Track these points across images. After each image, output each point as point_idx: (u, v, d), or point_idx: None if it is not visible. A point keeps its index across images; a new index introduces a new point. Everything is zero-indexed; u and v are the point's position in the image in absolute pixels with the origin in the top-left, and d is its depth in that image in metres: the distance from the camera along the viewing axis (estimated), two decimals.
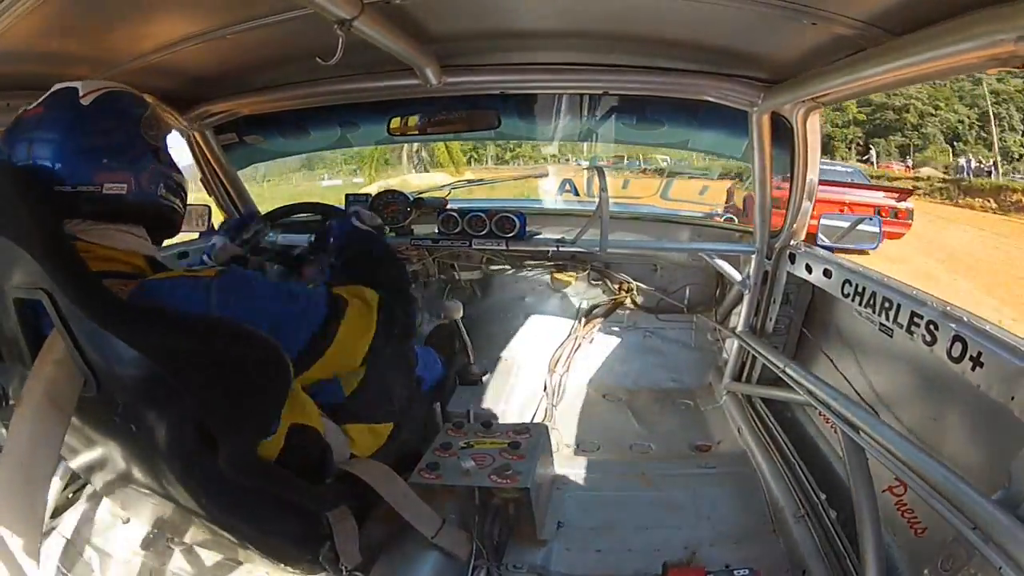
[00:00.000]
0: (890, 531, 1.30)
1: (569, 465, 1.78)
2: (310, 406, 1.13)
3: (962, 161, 22.10)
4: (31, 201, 0.83)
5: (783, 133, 1.73)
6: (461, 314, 2.12)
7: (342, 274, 1.30)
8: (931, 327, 1.17)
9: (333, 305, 1.07)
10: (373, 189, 3.09)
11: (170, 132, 1.12)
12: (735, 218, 2.95)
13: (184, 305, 0.88)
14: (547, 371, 2.37)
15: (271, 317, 0.95)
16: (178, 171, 1.10)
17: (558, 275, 2.60)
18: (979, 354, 1.03)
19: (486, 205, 2.45)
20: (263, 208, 2.43)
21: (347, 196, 2.38)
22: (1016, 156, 23.70)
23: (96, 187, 0.97)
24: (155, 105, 1.07)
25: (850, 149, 26.58)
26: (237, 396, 0.88)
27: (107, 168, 0.98)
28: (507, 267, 2.57)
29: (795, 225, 1.87)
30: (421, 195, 2.36)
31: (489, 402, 1.82)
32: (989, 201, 16.63)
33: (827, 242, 1.81)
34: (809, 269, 1.78)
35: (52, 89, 0.99)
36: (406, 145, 5.22)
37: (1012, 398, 0.96)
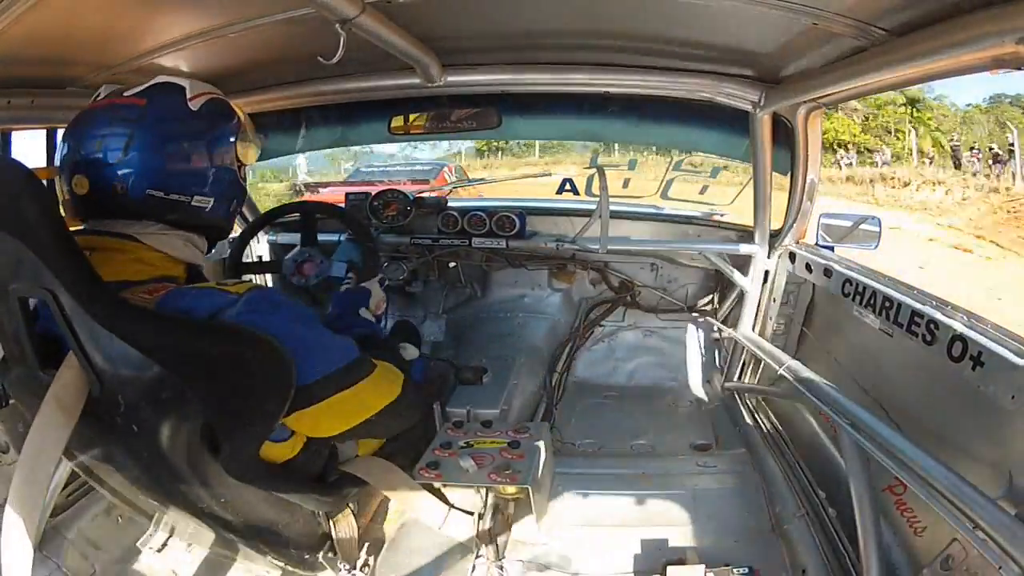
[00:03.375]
0: (890, 530, 1.30)
1: (569, 464, 1.78)
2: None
3: None
4: (38, 200, 0.82)
5: (784, 133, 1.74)
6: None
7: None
8: (931, 327, 1.17)
9: (363, 358, 1.01)
10: None
11: (257, 146, 1.10)
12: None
13: (200, 311, 0.86)
14: (547, 370, 2.37)
15: (288, 339, 0.88)
16: (246, 186, 1.09)
17: (558, 274, 2.60)
18: (979, 354, 1.03)
19: (486, 204, 2.44)
20: (261, 206, 2.44)
21: (347, 195, 2.38)
22: None
23: (188, 198, 0.96)
24: (245, 118, 1.07)
25: None
26: (240, 397, 0.88)
27: (201, 181, 0.97)
28: (507, 266, 2.57)
29: (795, 225, 1.88)
30: (421, 195, 2.36)
31: (489, 401, 1.81)
32: None
33: (829, 241, 1.81)
34: (809, 268, 1.78)
35: (155, 81, 0.96)
36: None
37: (1012, 397, 0.96)
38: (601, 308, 2.61)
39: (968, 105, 21.55)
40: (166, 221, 0.96)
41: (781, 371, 1.69)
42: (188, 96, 0.96)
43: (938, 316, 1.16)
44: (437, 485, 1.34)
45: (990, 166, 16.49)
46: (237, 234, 1.89)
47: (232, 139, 1.01)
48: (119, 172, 0.90)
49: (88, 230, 0.95)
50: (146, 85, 0.95)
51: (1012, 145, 15.99)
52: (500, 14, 1.44)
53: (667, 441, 2.01)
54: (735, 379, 2.20)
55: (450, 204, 2.34)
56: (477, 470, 1.34)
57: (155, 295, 0.87)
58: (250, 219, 2.30)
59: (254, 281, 1.81)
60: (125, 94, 0.95)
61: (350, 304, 1.39)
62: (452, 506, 1.32)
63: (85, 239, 0.91)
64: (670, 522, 1.54)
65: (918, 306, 1.23)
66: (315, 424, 0.99)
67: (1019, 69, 0.88)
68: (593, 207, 2.05)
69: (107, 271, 0.87)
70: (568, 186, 2.66)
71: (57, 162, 0.97)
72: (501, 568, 1.33)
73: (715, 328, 2.49)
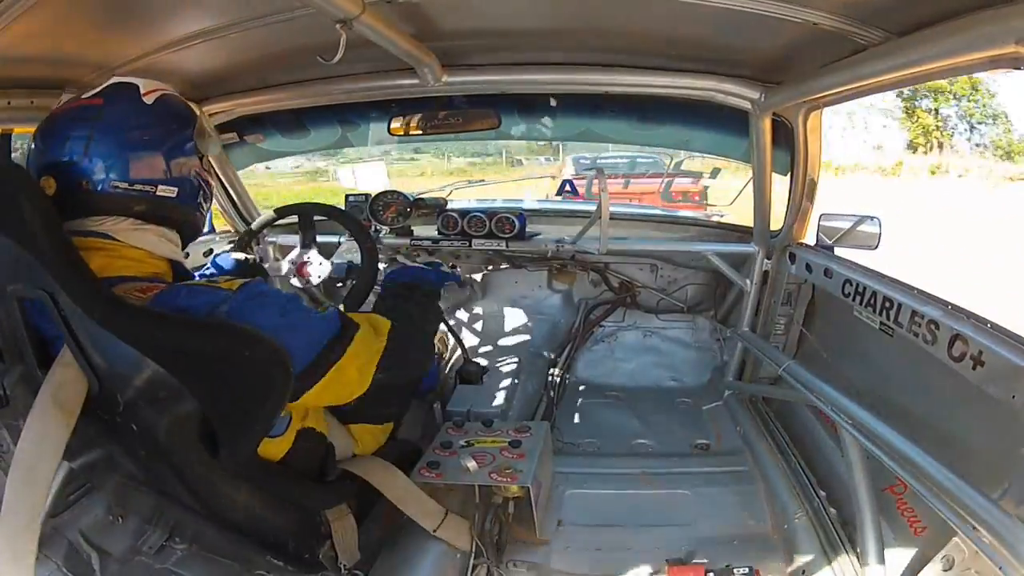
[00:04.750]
0: (890, 531, 1.30)
1: (569, 464, 1.78)
2: (316, 409, 1.13)
3: None
4: (34, 202, 0.83)
5: (783, 133, 1.74)
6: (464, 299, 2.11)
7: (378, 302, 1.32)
8: (932, 326, 1.17)
9: (344, 326, 1.04)
10: None
11: (216, 140, 1.13)
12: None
13: (195, 309, 0.88)
14: (547, 370, 2.37)
15: (279, 330, 0.90)
16: (212, 181, 1.12)
17: (558, 275, 2.60)
18: (980, 353, 1.03)
19: (486, 205, 2.45)
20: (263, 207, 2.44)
21: (347, 196, 2.38)
22: None
23: (152, 187, 0.97)
24: (201, 114, 1.09)
25: None
26: (239, 396, 0.88)
27: (164, 171, 0.99)
28: (507, 267, 2.57)
29: (795, 225, 1.88)
30: (422, 195, 2.36)
31: (489, 401, 1.81)
32: None
33: (829, 242, 1.81)
34: (809, 268, 1.78)
35: (109, 82, 0.99)
36: None
37: (1013, 397, 0.96)
38: (601, 308, 2.61)
39: None
40: (135, 215, 0.97)
41: (781, 371, 1.69)
42: (142, 92, 0.99)
43: (938, 316, 1.16)
44: (437, 484, 1.34)
45: None
46: (237, 235, 1.90)
47: (188, 130, 1.03)
48: (83, 170, 0.93)
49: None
50: (102, 86, 0.99)
51: None
52: (500, 15, 1.44)
53: (667, 441, 2.01)
54: (735, 379, 2.20)
55: (450, 205, 2.34)
56: (478, 469, 1.34)
57: (149, 294, 0.88)
58: (250, 222, 2.30)
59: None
60: (84, 96, 0.98)
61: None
62: (451, 507, 1.32)
63: None
64: (670, 522, 1.53)
65: (918, 306, 1.23)
66: (326, 399, 1.03)
67: (1018, 69, 0.88)
68: (592, 208, 2.06)
69: (95, 269, 0.87)
70: (568, 187, 2.66)
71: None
72: (500, 569, 1.33)
73: (715, 328, 2.49)
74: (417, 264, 1.43)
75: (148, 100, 0.98)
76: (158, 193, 0.98)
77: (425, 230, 2.33)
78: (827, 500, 1.50)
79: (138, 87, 0.99)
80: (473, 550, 1.29)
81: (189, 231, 1.09)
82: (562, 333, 2.57)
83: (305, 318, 1.00)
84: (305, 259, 1.78)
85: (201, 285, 0.94)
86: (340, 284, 1.85)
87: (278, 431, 1.02)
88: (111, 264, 0.93)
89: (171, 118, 1.01)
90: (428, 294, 1.39)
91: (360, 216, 2.21)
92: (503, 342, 2.42)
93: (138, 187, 0.96)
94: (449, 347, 2.34)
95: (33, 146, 0.97)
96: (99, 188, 0.94)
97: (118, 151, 0.94)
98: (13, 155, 1.60)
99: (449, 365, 2.14)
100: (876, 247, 1.78)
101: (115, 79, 1.00)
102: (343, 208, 2.25)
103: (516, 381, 2.05)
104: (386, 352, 1.09)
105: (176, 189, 1.00)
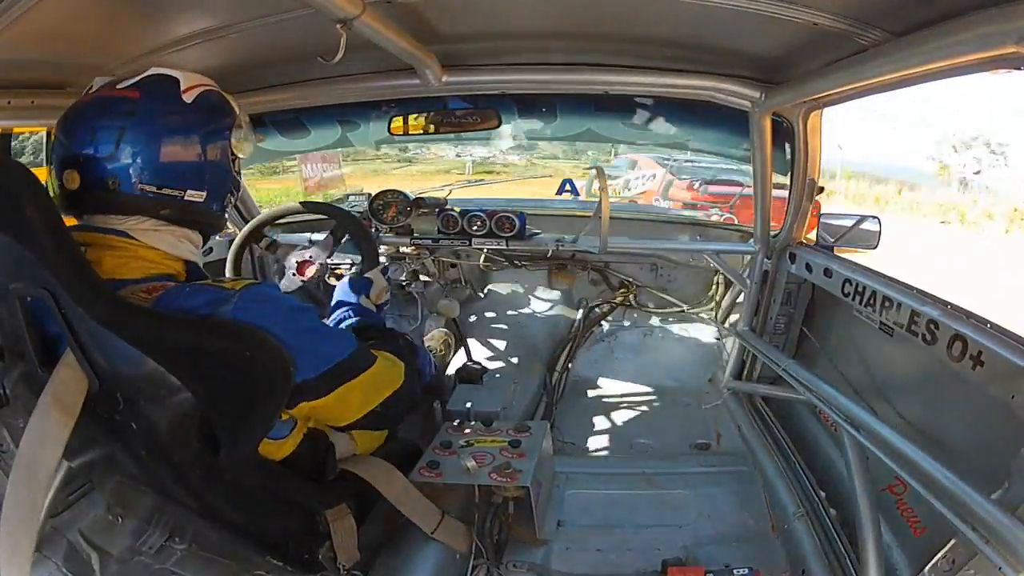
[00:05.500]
0: (890, 531, 1.30)
1: (569, 464, 1.78)
2: None
3: None
4: (35, 200, 0.82)
5: (784, 133, 1.74)
6: (457, 313, 2.13)
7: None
8: (931, 326, 1.17)
9: (361, 350, 1.02)
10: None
11: (252, 140, 1.09)
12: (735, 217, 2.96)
13: (197, 308, 0.87)
14: (547, 370, 2.37)
15: (286, 335, 0.89)
16: (240, 179, 1.07)
17: (558, 275, 2.61)
18: (979, 353, 1.03)
19: (486, 205, 2.45)
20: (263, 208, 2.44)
21: (347, 196, 2.38)
22: None
23: (180, 192, 0.94)
24: (241, 111, 1.05)
25: None
26: (238, 395, 0.88)
27: (194, 175, 0.95)
28: (507, 267, 2.57)
29: (795, 224, 1.88)
30: (421, 195, 2.36)
31: (489, 401, 1.82)
32: None
33: (829, 241, 1.81)
34: (809, 268, 1.78)
35: (148, 73, 0.94)
36: None
37: (1012, 397, 0.96)
38: (601, 308, 2.61)
39: None
40: (159, 217, 0.94)
41: (781, 371, 1.69)
42: (182, 88, 0.94)
43: (938, 316, 1.16)
44: (437, 484, 1.34)
45: None
46: (238, 234, 1.90)
47: (227, 132, 0.99)
48: (110, 167, 0.89)
49: (81, 226, 0.94)
50: (140, 77, 0.94)
51: None
52: (500, 15, 1.44)
53: (667, 441, 2.01)
54: (735, 379, 2.20)
55: (449, 205, 2.34)
56: (478, 469, 1.34)
57: (153, 294, 0.87)
58: (249, 220, 2.30)
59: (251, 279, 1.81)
60: (118, 87, 0.93)
61: (350, 292, 1.40)
62: (450, 506, 1.32)
63: (79, 235, 0.90)
64: (670, 522, 1.54)
65: (918, 306, 1.23)
66: (321, 415, 1.02)
67: (1019, 69, 0.88)
68: (592, 207, 2.06)
69: (103, 268, 0.87)
70: (568, 187, 2.67)
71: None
72: (500, 569, 1.33)
73: (715, 328, 2.49)
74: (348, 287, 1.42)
75: (188, 98, 0.93)
76: (186, 198, 0.94)
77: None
78: (827, 500, 1.50)
79: (179, 81, 0.94)
80: (473, 551, 1.29)
81: (211, 232, 1.07)
82: (562, 333, 2.57)
83: (319, 329, 0.99)
84: (305, 259, 1.78)
85: (204, 284, 0.93)
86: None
87: (282, 433, 1.01)
88: (123, 266, 0.92)
89: (209, 119, 0.97)
90: (391, 334, 1.34)
91: (360, 215, 2.21)
92: (503, 342, 2.42)
93: (167, 191, 0.92)
94: (451, 347, 2.34)
95: (56, 136, 0.93)
96: (124, 188, 0.90)
97: (150, 152, 0.90)
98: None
99: (449, 365, 2.14)
100: (876, 246, 1.78)
101: (154, 70, 0.95)
102: (342, 207, 2.25)
103: (516, 381, 2.05)
104: (399, 391, 1.09)
105: (205, 193, 0.97)
